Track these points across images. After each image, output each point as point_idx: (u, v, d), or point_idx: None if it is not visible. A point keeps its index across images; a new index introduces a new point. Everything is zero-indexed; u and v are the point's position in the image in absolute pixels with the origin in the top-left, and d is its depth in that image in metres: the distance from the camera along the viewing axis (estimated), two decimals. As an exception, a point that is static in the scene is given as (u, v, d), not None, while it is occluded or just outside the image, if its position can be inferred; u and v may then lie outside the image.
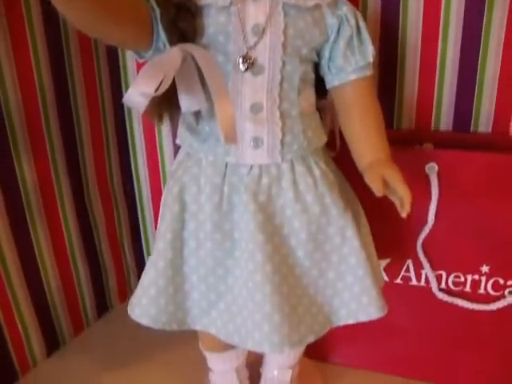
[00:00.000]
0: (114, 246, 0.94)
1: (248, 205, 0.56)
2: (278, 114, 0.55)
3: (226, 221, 0.57)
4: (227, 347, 0.69)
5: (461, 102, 0.77)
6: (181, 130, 0.60)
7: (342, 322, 0.62)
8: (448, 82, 0.76)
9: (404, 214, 0.57)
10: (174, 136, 0.63)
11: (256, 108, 0.54)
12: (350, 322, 0.61)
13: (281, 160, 0.56)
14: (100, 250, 0.92)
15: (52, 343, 0.85)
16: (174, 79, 0.51)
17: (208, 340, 0.69)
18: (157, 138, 0.91)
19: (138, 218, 0.98)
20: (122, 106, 0.89)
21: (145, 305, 0.59)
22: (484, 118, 0.77)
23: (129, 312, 0.62)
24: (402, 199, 0.56)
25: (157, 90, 0.48)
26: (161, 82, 0.48)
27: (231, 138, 0.50)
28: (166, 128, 0.89)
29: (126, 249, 0.96)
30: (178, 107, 0.53)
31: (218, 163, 0.57)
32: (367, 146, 0.59)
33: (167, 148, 0.90)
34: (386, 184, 0.56)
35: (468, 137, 0.76)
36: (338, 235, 0.58)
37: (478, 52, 0.73)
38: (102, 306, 0.94)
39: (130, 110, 0.91)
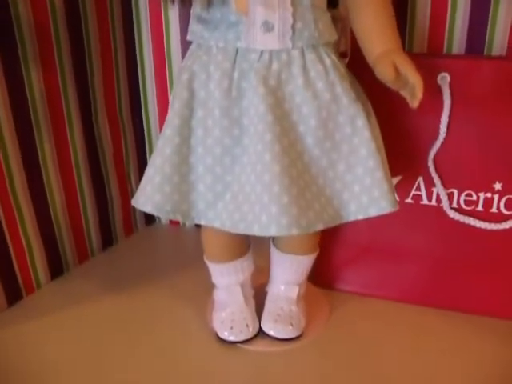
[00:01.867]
0: (120, 176, 0.93)
1: (258, 88, 0.55)
2: (289, 0, 0.55)
3: (235, 107, 0.57)
4: (232, 256, 0.69)
5: (474, 25, 0.75)
6: (191, 25, 0.60)
7: (352, 217, 0.60)
8: (461, 4, 0.75)
9: (416, 103, 0.56)
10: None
11: None
12: (361, 217, 0.60)
13: (291, 46, 0.56)
14: (107, 178, 0.91)
15: (56, 267, 0.84)
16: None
17: (213, 246, 0.68)
18: (167, 68, 0.91)
19: (145, 149, 0.98)
20: (131, 27, 0.89)
21: (149, 192, 0.59)
22: (498, 41, 0.76)
23: (133, 203, 0.61)
24: (414, 87, 0.55)
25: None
26: None
27: (242, 5, 0.49)
28: (177, 57, 0.89)
29: (133, 180, 0.96)
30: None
31: (229, 49, 0.57)
32: (378, 38, 0.58)
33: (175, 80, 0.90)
34: (397, 73, 0.55)
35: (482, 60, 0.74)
36: (349, 124, 0.58)
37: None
38: (107, 238, 0.94)
39: (140, 28, 0.89)
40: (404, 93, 0.57)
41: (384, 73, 0.55)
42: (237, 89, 0.56)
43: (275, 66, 0.56)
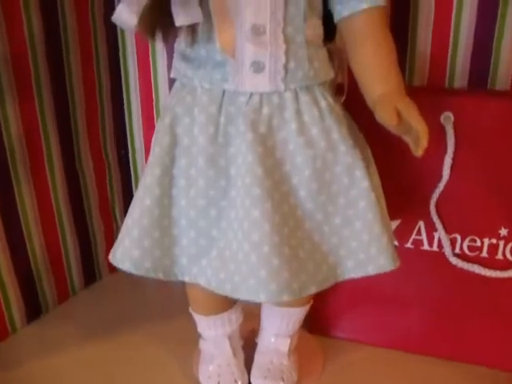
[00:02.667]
0: (104, 211, 0.89)
1: (246, 134, 0.51)
2: (281, 37, 0.50)
3: (221, 155, 0.52)
4: (219, 309, 0.64)
5: (478, 57, 0.71)
6: (175, 61, 0.55)
7: (349, 275, 0.56)
8: (464, 37, 0.71)
9: (419, 153, 0.51)
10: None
11: (258, 29, 0.50)
12: (359, 274, 0.56)
13: (283, 88, 0.51)
14: (89, 214, 0.87)
15: (33, 309, 0.79)
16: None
17: (198, 300, 0.64)
18: (154, 102, 0.87)
19: (131, 183, 0.93)
20: (117, 61, 0.85)
21: (127, 247, 0.54)
22: (502, 75, 0.72)
23: (110, 258, 0.56)
24: (418, 134, 0.50)
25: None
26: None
27: (228, 46, 0.47)
28: (164, 92, 0.85)
29: (118, 215, 0.91)
30: (172, 24, 0.48)
31: (215, 91, 0.52)
32: (378, 77, 0.53)
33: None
34: (399, 118, 0.51)
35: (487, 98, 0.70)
36: (346, 175, 0.53)
37: (498, 4, 0.68)
38: (90, 275, 0.89)
39: (126, 63, 0.85)
40: (407, 138, 0.53)
41: (385, 118, 0.51)
42: (223, 135, 0.52)
43: (266, 110, 0.51)
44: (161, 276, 0.55)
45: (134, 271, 0.55)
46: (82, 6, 0.76)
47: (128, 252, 0.54)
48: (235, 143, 0.51)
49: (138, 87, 0.87)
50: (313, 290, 0.54)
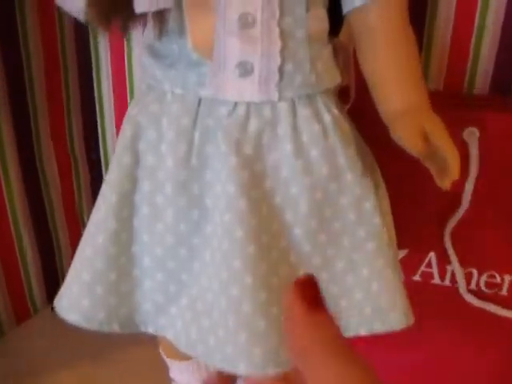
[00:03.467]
0: (70, 220, 0.79)
1: (227, 158, 0.41)
2: (277, 31, 0.40)
3: (195, 181, 0.42)
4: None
5: (503, 61, 0.62)
6: (142, 58, 0.45)
7: (352, 333, 0.46)
8: (489, 35, 0.61)
9: (447, 185, 0.43)
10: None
11: (246, 20, 0.40)
12: (362, 332, 0.46)
13: (277, 97, 0.41)
14: (53, 224, 0.77)
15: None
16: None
17: (169, 345, 0.54)
18: (128, 92, 0.76)
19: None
20: (86, 41, 0.74)
21: (75, 294, 0.44)
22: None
23: (55, 305, 0.47)
24: (448, 163, 0.41)
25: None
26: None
27: (203, 45, 0.36)
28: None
29: (86, 221, 0.81)
30: (132, 11, 0.38)
31: (188, 98, 0.42)
32: (398, 87, 0.44)
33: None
34: (426, 140, 0.41)
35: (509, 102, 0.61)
36: (353, 209, 0.43)
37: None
38: (53, 291, 0.79)
39: (96, 45, 0.74)
40: (429, 165, 0.44)
41: (407, 142, 0.41)
42: (198, 156, 0.41)
43: (254, 125, 0.41)
44: (116, 329, 0.45)
45: (83, 324, 0.45)
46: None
47: (76, 301, 0.44)
48: (213, 167, 0.41)
49: (110, 74, 0.75)
50: None
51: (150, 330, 0.46)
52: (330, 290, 0.45)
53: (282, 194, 0.42)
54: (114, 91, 0.75)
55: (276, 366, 0.41)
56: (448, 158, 0.41)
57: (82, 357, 0.69)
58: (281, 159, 0.42)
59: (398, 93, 0.43)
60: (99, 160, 0.82)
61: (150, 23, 0.40)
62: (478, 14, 0.61)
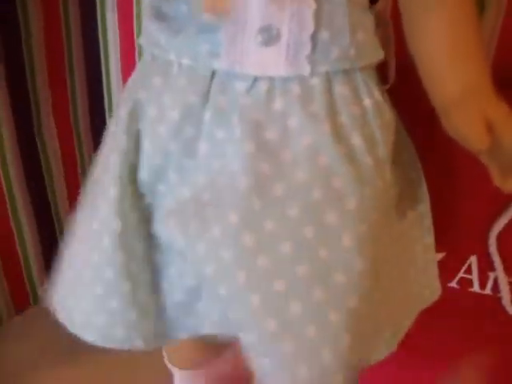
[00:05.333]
0: (73, 199, 0.74)
1: (243, 144, 0.34)
2: None
3: (202, 171, 0.36)
4: (198, 363, 0.52)
5: None
6: (145, 21, 0.39)
7: None
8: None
9: (510, 186, 0.36)
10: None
11: None
12: None
13: (309, 71, 0.34)
14: (54, 202, 0.73)
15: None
16: None
17: (175, 352, 0.51)
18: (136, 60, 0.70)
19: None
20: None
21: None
22: None
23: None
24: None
25: None
26: None
27: (218, 5, 0.28)
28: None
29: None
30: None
31: (199, 71, 0.35)
32: (457, 66, 0.37)
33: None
34: (490, 131, 0.35)
35: None
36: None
37: None
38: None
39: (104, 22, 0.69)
40: (489, 161, 0.37)
41: (470, 134, 0.35)
42: (208, 141, 0.35)
43: (279, 104, 0.35)
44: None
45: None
46: None
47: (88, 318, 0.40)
48: (225, 156, 0.35)
49: (117, 39, 0.69)
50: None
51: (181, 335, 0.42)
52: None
53: (323, 187, 0.35)
54: (121, 57, 0.70)
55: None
56: None
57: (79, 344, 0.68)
58: (318, 144, 0.35)
59: (456, 73, 0.37)
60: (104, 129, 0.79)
61: None
62: None
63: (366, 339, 0.38)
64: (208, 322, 0.40)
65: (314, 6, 0.33)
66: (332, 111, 0.35)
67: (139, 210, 0.39)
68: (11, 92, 0.63)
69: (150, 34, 0.37)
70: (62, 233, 0.76)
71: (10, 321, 0.73)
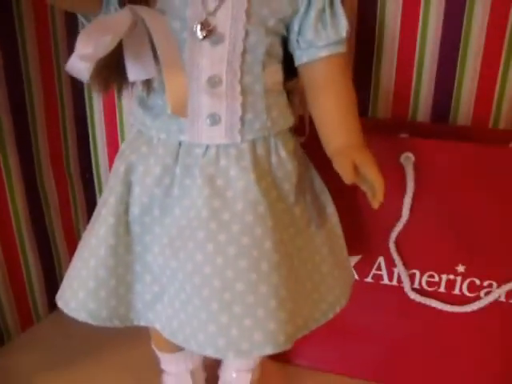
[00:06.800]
0: (68, 233, 0.88)
1: (203, 189, 0.50)
2: (238, 88, 0.49)
3: (176, 206, 0.52)
4: (181, 347, 0.63)
5: (440, 93, 0.73)
6: (133, 107, 0.55)
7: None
8: (427, 72, 0.72)
9: (376, 205, 0.52)
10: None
11: (214, 81, 0.49)
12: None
13: (240, 140, 0.50)
14: (53, 237, 0.85)
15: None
16: (122, 44, 0.45)
17: (159, 338, 0.62)
18: (118, 122, 0.85)
19: (95, 203, 0.91)
20: (81, 84, 0.83)
21: (82, 298, 0.53)
22: (463, 111, 0.73)
23: (60, 305, 0.56)
24: (374, 187, 0.51)
25: (99, 51, 0.42)
26: (104, 43, 0.42)
27: (180, 110, 0.45)
28: (127, 111, 0.83)
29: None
30: (126, 77, 0.48)
31: (171, 142, 0.51)
32: (338, 129, 0.53)
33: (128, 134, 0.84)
34: (356, 171, 0.51)
35: (446, 128, 0.71)
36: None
37: (459, 43, 0.69)
38: (55, 300, 0.87)
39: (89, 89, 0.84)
40: (364, 188, 0.53)
41: (342, 172, 0.51)
42: (179, 187, 0.51)
43: (223, 162, 0.50)
44: (117, 323, 0.55)
45: (90, 321, 0.54)
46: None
47: (83, 304, 0.53)
48: (191, 195, 0.51)
49: (101, 108, 0.84)
50: (268, 350, 0.50)
51: (142, 323, 0.56)
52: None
53: (252, 212, 0.50)
54: (105, 123, 0.84)
55: (236, 353, 0.49)
56: (374, 184, 0.50)
57: (82, 358, 0.77)
58: (247, 186, 0.50)
59: (336, 133, 0.53)
60: (93, 180, 0.91)
61: (140, 85, 0.50)
62: (417, 56, 0.71)
63: (289, 304, 0.51)
64: (159, 321, 0.54)
65: (240, 99, 0.49)
66: (255, 165, 0.50)
67: (130, 234, 0.53)
68: (19, 150, 0.75)
69: (137, 117, 0.53)
70: (59, 263, 0.87)
71: (17, 336, 0.81)
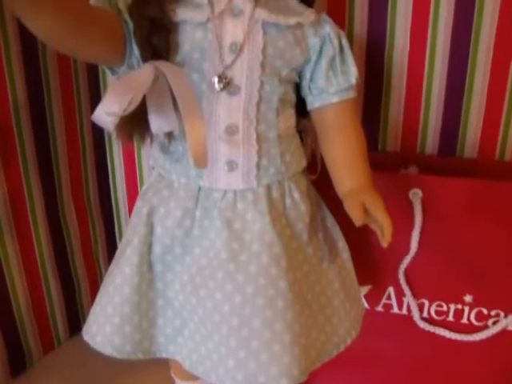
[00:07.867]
0: (88, 263, 0.91)
1: (221, 232, 0.53)
2: (254, 136, 0.52)
3: (196, 246, 0.54)
4: (194, 376, 0.65)
5: (447, 126, 0.75)
6: (154, 150, 0.58)
7: None
8: (434, 107, 0.74)
9: (385, 244, 0.54)
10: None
11: (231, 130, 0.52)
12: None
13: (256, 184, 0.53)
14: (73, 266, 0.88)
15: (18, 362, 0.81)
16: (144, 98, 0.48)
17: (178, 367, 0.65)
18: (136, 156, 0.88)
19: (114, 234, 0.95)
20: (102, 130, 0.86)
21: (108, 333, 0.56)
22: (470, 143, 0.76)
23: (87, 339, 0.58)
24: (383, 228, 0.53)
25: (125, 109, 0.45)
26: (129, 102, 0.45)
27: (201, 161, 0.47)
28: (144, 147, 0.86)
29: (102, 266, 0.93)
30: (149, 127, 0.51)
31: (191, 186, 0.54)
32: (348, 171, 0.56)
33: (146, 167, 0.87)
34: (366, 212, 0.54)
35: (454, 161, 0.74)
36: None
37: (465, 77, 0.72)
38: (75, 325, 0.91)
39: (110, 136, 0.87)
40: (373, 228, 0.56)
41: (352, 214, 0.53)
42: (199, 228, 0.54)
43: (240, 205, 0.53)
44: (140, 357, 0.58)
45: (115, 356, 0.57)
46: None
47: (109, 338, 0.56)
48: (210, 237, 0.53)
49: (120, 150, 0.87)
50: (284, 381, 0.53)
51: (164, 355, 0.59)
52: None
53: (268, 253, 0.52)
54: (124, 165, 0.88)
55: None
56: (383, 224, 0.53)
57: (101, 382, 0.79)
58: (264, 228, 0.53)
59: (348, 175, 0.55)
60: (111, 211, 0.95)
61: (162, 135, 0.54)
62: (424, 91, 0.73)
63: (303, 339, 0.53)
64: (180, 353, 0.56)
65: (256, 146, 0.52)
66: (270, 208, 0.53)
67: (152, 271, 0.56)
68: (44, 187, 0.79)
69: (158, 161, 0.56)
70: (80, 290, 0.90)
71: (39, 360, 0.84)
